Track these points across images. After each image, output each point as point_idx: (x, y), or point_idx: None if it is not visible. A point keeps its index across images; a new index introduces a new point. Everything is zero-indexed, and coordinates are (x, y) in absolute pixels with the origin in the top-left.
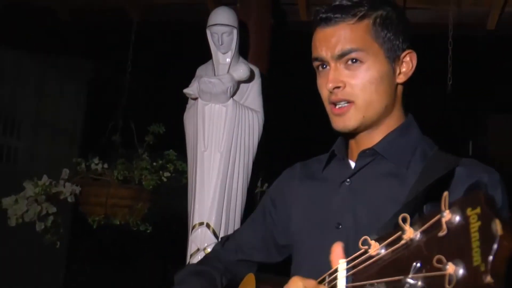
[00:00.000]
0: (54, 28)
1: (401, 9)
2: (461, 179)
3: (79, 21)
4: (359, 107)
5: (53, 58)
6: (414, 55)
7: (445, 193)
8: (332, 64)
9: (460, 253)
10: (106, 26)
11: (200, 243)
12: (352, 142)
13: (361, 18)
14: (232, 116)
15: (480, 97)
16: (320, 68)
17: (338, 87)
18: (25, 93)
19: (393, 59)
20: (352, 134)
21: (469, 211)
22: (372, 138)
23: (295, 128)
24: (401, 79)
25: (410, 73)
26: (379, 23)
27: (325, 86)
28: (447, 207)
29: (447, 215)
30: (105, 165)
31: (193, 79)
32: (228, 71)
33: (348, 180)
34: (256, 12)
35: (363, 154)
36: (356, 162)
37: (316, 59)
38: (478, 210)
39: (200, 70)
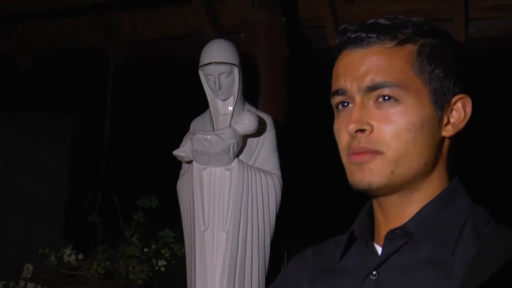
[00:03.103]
0: (15, 77)
1: (457, 43)
2: None
3: (45, 67)
4: (388, 159)
5: (21, 115)
6: (468, 102)
7: None
8: (358, 99)
9: None
10: (79, 70)
11: None
12: (378, 216)
13: (403, 42)
14: (238, 182)
15: None
16: (340, 107)
17: (363, 131)
18: None
19: (441, 104)
20: (376, 200)
21: None
22: (405, 210)
23: (326, 190)
24: (448, 131)
25: (461, 125)
26: (426, 53)
27: (345, 128)
28: None
29: None
30: (80, 256)
31: (185, 136)
32: (230, 124)
33: (374, 273)
34: (266, 42)
35: (392, 235)
36: (383, 247)
37: (337, 92)
38: None
39: (195, 124)
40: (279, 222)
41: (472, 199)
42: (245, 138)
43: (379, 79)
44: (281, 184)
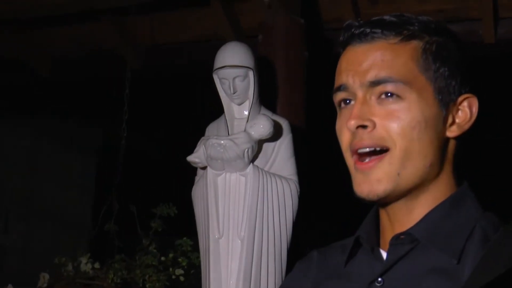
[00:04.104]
0: (35, 85)
1: (464, 44)
2: None
3: (64, 74)
4: (395, 158)
5: (44, 123)
6: (474, 102)
7: None
8: (360, 94)
9: None
10: (98, 76)
11: None
12: (384, 221)
13: (408, 38)
14: (253, 187)
15: None
16: (343, 105)
17: (364, 127)
18: (12, 172)
19: (446, 103)
20: (382, 204)
21: None
22: (411, 214)
23: (346, 196)
24: (453, 132)
25: (467, 126)
26: (431, 51)
27: (346, 126)
28: None
29: None
30: (97, 265)
31: (199, 141)
32: (245, 128)
33: (379, 279)
34: (285, 45)
35: (397, 241)
36: (388, 253)
37: (339, 88)
38: None
39: (210, 129)
40: (296, 229)
41: (482, 204)
42: (260, 143)
43: (383, 74)
44: (298, 190)
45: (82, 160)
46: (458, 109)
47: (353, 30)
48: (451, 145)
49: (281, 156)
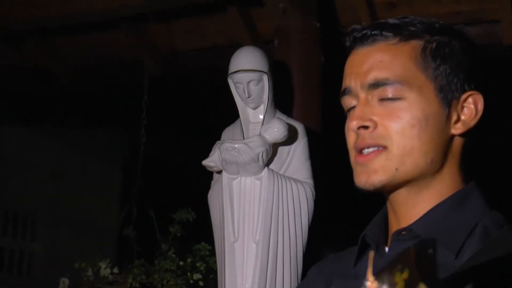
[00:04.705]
0: (58, 94)
1: (472, 42)
2: None
3: (84, 82)
4: (393, 155)
5: (70, 132)
6: (479, 98)
7: (371, 254)
8: (362, 96)
9: None
10: (119, 84)
11: None
12: (391, 217)
13: (407, 38)
14: (269, 191)
15: None
16: (351, 109)
17: (366, 128)
18: (38, 179)
19: (448, 101)
20: (388, 200)
21: (397, 277)
22: (414, 209)
23: (361, 199)
24: (458, 129)
25: (472, 123)
26: (431, 49)
27: (350, 127)
28: (371, 273)
29: (371, 285)
30: (115, 269)
31: (214, 146)
32: (259, 132)
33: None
34: (300, 49)
35: (398, 236)
36: (389, 248)
37: (344, 92)
38: (406, 274)
39: (226, 133)
40: (312, 233)
41: (492, 205)
42: (275, 146)
43: (381, 75)
44: (314, 193)
45: (108, 167)
46: (462, 106)
47: (355, 34)
48: (457, 142)
49: (296, 160)
